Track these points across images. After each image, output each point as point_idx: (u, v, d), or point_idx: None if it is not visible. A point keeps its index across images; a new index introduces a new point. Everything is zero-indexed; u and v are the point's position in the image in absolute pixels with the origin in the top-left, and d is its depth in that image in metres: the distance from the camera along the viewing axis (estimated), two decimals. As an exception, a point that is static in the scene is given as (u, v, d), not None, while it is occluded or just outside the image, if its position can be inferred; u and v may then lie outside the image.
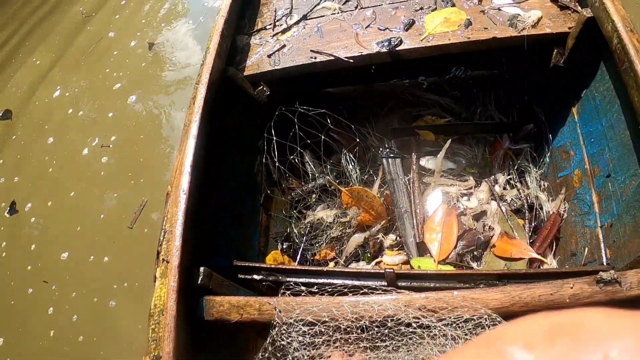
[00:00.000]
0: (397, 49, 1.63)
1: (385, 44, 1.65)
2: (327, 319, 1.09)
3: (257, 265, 1.46)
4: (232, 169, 1.74)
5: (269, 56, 1.80)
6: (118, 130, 3.36)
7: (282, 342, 1.10)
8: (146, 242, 2.64)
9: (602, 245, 1.43)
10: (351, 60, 1.66)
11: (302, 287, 1.23)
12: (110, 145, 3.27)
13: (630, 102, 1.32)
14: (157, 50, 3.93)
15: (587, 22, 1.49)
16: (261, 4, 2.08)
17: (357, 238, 1.73)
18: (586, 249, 1.49)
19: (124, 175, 3.07)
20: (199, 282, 1.26)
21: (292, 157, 1.78)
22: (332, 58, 1.68)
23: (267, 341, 1.12)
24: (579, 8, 1.58)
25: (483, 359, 0.26)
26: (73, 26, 4.51)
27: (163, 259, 1.25)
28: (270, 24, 1.94)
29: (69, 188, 3.11)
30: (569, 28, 1.55)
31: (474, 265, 1.60)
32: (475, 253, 1.62)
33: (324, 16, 1.88)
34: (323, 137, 1.78)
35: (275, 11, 2.00)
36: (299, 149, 1.74)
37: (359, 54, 1.67)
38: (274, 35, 1.88)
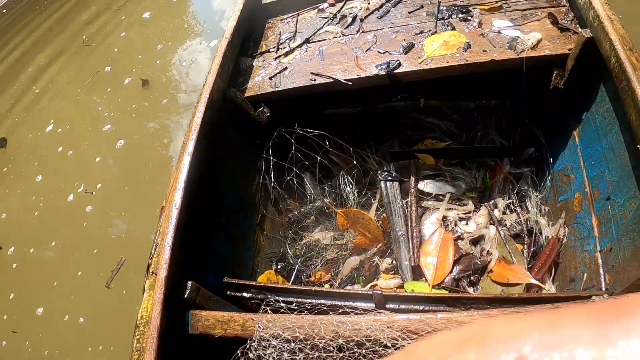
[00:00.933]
0: (395, 71, 1.64)
1: (384, 66, 1.66)
2: (301, 337, 1.07)
3: (246, 282, 1.45)
4: (230, 188, 1.75)
5: (271, 78, 1.83)
6: (104, 177, 3.25)
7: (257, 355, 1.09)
8: (123, 303, 2.48)
9: (601, 270, 1.39)
10: (350, 83, 1.68)
11: (282, 304, 1.22)
12: (94, 193, 3.14)
13: (629, 123, 1.29)
14: (150, 89, 3.86)
15: (587, 43, 1.48)
16: (266, 27, 2.13)
17: (353, 261, 1.71)
18: (585, 274, 1.44)
19: (104, 230, 2.92)
20: (186, 295, 1.26)
21: (288, 177, 1.78)
22: (332, 80, 1.70)
23: (237, 353, 1.11)
24: (579, 29, 1.58)
25: None
26: (73, 54, 4.63)
27: (152, 272, 1.26)
28: (273, 47, 1.97)
29: (51, 236, 2.99)
30: (569, 49, 1.54)
31: (470, 290, 1.57)
32: (471, 278, 1.58)
33: (326, 40, 1.91)
34: (320, 159, 1.79)
35: (279, 34, 2.04)
36: (295, 170, 1.74)
37: (358, 76, 1.68)
38: (276, 58, 1.91)
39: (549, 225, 1.62)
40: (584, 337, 0.22)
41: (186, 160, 1.45)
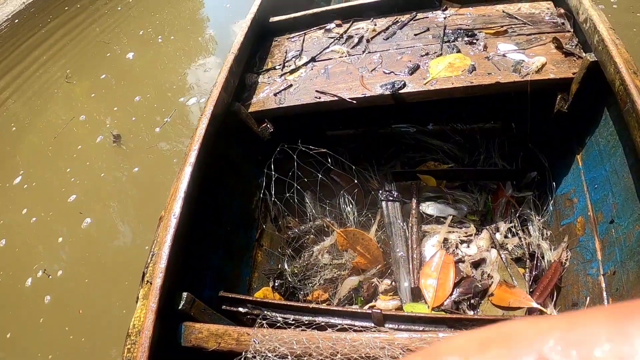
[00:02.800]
0: (400, 91, 1.64)
1: (389, 86, 1.67)
2: (299, 352, 1.05)
3: (242, 297, 1.43)
4: (230, 202, 1.74)
5: (276, 94, 1.83)
6: (66, 261, 2.83)
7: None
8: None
9: (604, 294, 1.37)
10: (354, 101, 1.68)
11: (279, 319, 1.20)
12: (50, 276, 2.73)
13: (633, 145, 1.29)
14: (121, 147, 3.50)
15: (591, 67, 1.48)
16: (273, 45, 2.14)
17: (351, 281, 1.68)
18: (588, 298, 1.42)
19: (61, 330, 2.49)
20: (180, 307, 1.24)
21: (288, 194, 1.77)
22: (336, 98, 1.70)
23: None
24: (583, 54, 1.58)
25: None
26: (52, 92, 4.53)
27: (147, 281, 1.24)
28: (279, 64, 1.98)
29: (6, 326, 2.61)
30: (573, 73, 1.55)
31: (470, 313, 1.54)
32: (472, 301, 1.55)
33: (332, 59, 1.92)
34: (321, 176, 1.78)
35: (286, 52, 2.05)
36: (296, 185, 1.73)
37: (363, 95, 1.68)
38: (282, 75, 1.92)
39: (551, 249, 1.59)
40: (602, 335, 0.23)
41: (187, 170, 1.44)
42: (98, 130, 3.73)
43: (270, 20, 2.23)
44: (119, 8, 5.94)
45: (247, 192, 1.83)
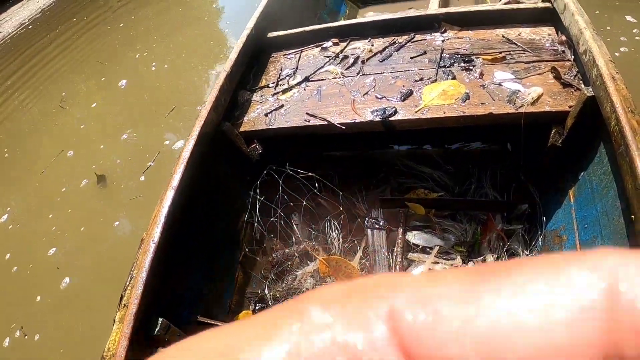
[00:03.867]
0: (390, 119, 1.61)
1: (380, 112, 1.63)
2: None
3: (219, 323, 1.41)
4: (214, 223, 1.72)
5: (267, 114, 1.81)
6: (44, 324, 2.55)
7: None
8: None
9: None
10: (343, 127, 1.65)
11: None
12: (26, 336, 2.49)
13: (624, 189, 1.24)
14: (104, 191, 3.25)
15: (588, 102, 1.43)
16: (269, 61, 2.12)
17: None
18: None
19: None
20: (155, 332, 1.23)
21: (273, 218, 1.75)
22: (325, 123, 1.67)
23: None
24: (582, 86, 1.53)
25: (284, 316, 0.26)
26: (46, 118, 4.45)
27: (124, 304, 1.23)
28: (273, 82, 1.96)
29: None
30: (569, 107, 1.50)
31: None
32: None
33: (325, 79, 1.89)
34: (305, 203, 1.75)
35: (281, 70, 2.03)
36: (279, 211, 1.71)
37: (353, 120, 1.65)
38: (274, 94, 1.89)
39: None
40: (453, 294, 0.22)
41: (169, 195, 1.43)
42: (83, 170, 3.48)
43: (268, 35, 2.21)
44: (121, 25, 5.91)
45: (233, 213, 1.81)
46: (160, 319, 1.25)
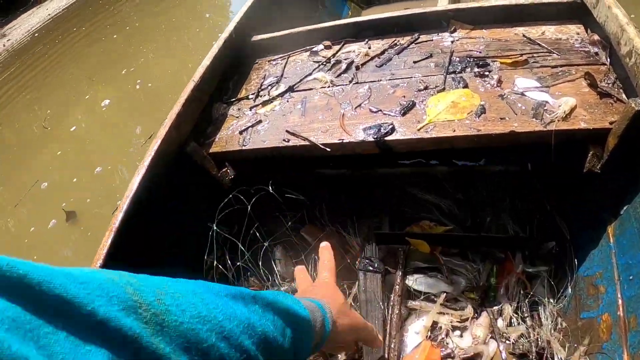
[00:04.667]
0: (386, 138, 1.30)
1: (373, 131, 1.33)
2: None
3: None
4: (174, 268, 1.42)
5: (241, 132, 1.52)
6: None
7: None
8: None
9: None
10: (328, 149, 1.35)
11: None
12: None
13: None
14: (72, 232, 3.02)
15: (636, 117, 1.11)
16: (253, 68, 1.83)
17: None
18: None
19: None
20: None
21: (239, 263, 1.45)
22: (307, 143, 1.37)
23: None
24: (623, 96, 1.22)
25: None
26: (28, 142, 4.26)
27: None
28: (253, 93, 1.67)
29: None
30: (611, 123, 1.18)
31: None
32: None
33: (312, 89, 1.60)
34: (288, 231, 1.45)
35: (263, 78, 1.74)
36: (247, 256, 1.41)
37: (340, 141, 1.35)
38: (252, 107, 1.61)
39: (564, 348, 1.22)
40: None
41: (107, 241, 1.14)
42: (53, 207, 3.27)
43: (252, 39, 1.92)
44: (115, 36, 5.69)
45: (199, 251, 1.49)
46: None
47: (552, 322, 1.26)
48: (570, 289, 1.31)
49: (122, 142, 3.74)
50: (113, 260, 1.12)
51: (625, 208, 1.20)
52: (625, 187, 1.21)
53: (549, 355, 1.22)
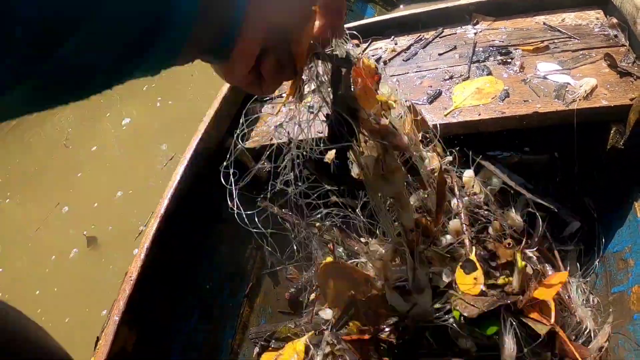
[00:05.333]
0: (415, 124, 1.38)
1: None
2: None
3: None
4: (214, 253, 1.51)
5: (276, 127, 1.61)
6: None
7: None
8: None
9: None
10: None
11: None
12: None
13: None
14: (95, 258, 2.97)
15: None
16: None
17: None
18: None
19: None
20: None
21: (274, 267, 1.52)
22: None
23: None
24: None
25: None
26: (49, 162, 4.18)
27: (98, 348, 1.07)
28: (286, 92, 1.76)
29: None
30: (631, 99, 1.23)
31: None
32: None
33: (342, 84, 1.68)
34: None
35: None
36: (295, 233, 1.49)
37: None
38: (287, 104, 1.70)
39: (596, 323, 1.22)
40: None
41: (155, 224, 1.25)
42: (74, 235, 3.22)
43: None
44: None
45: (238, 238, 1.57)
46: None
47: (584, 298, 1.28)
48: (600, 266, 1.34)
49: (140, 166, 3.65)
50: (159, 252, 1.22)
51: None
52: None
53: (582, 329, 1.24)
